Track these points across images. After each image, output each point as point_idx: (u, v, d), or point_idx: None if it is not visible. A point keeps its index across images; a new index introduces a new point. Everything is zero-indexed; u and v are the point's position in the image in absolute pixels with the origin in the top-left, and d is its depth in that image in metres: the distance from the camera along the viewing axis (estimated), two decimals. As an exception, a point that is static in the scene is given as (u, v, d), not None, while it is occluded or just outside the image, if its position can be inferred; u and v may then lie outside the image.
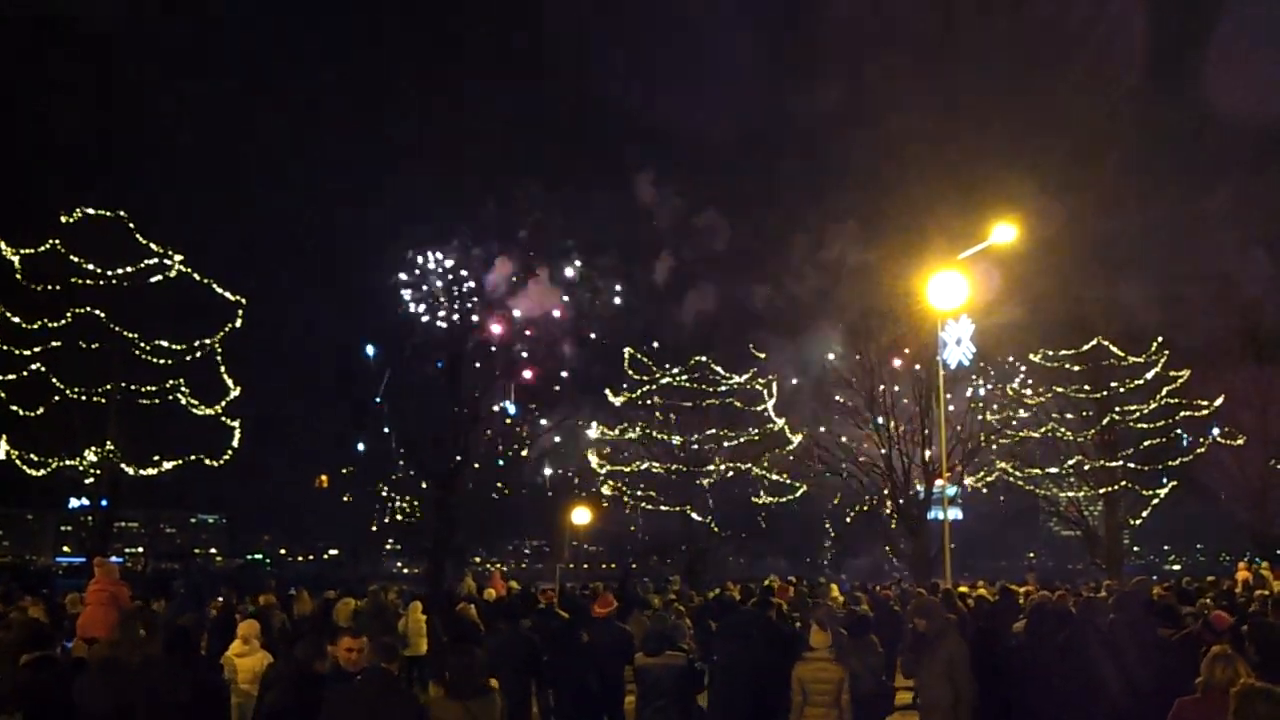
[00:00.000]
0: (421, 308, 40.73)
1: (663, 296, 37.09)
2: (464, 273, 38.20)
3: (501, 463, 38.97)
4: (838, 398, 33.29)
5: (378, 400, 37.04)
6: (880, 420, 32.04)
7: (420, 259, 40.36)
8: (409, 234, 41.89)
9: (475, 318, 37.65)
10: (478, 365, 36.32)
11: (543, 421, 38.04)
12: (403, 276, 41.57)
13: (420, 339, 37.76)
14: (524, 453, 38.54)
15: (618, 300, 38.46)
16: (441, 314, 39.42)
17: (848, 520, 40.97)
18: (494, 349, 37.37)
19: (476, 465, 37.02)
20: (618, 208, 38.28)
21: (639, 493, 35.33)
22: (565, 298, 38.79)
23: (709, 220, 37.92)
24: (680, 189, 39.11)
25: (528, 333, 37.83)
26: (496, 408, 37.16)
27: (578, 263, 39.22)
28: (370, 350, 38.68)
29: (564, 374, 38.18)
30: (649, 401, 34.92)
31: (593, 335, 38.36)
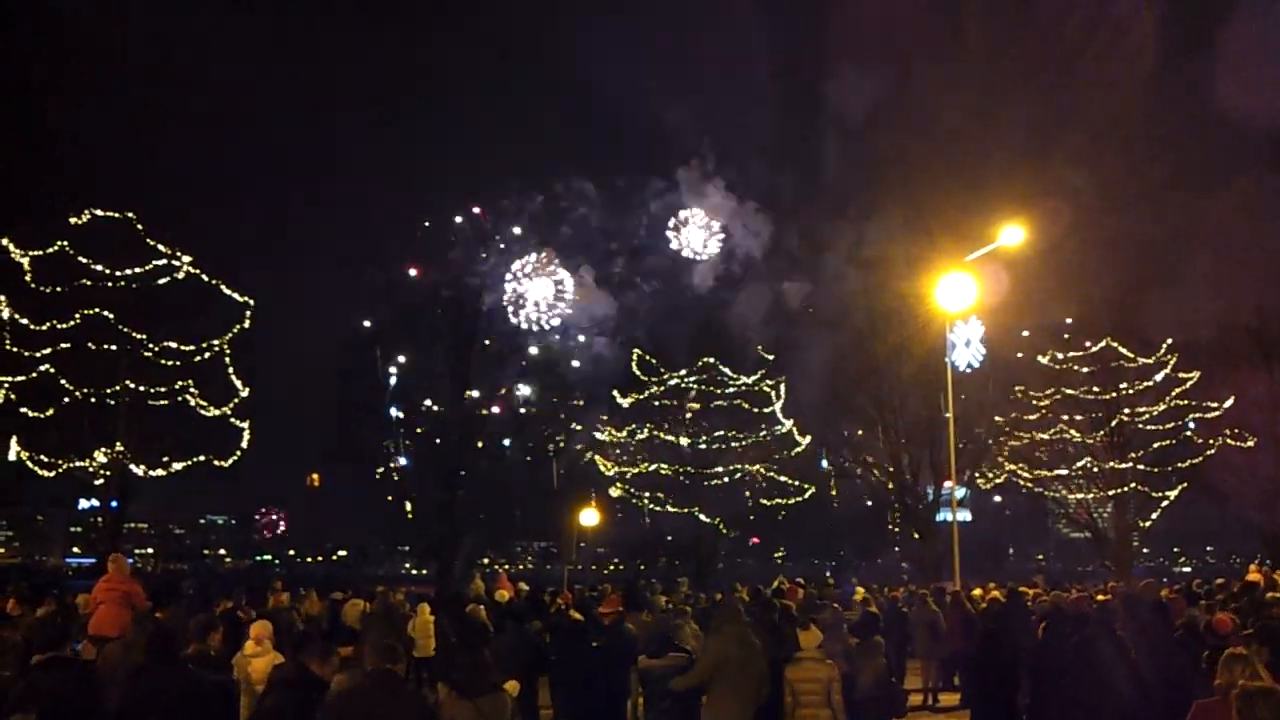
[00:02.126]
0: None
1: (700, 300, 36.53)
2: (502, 271, 37.70)
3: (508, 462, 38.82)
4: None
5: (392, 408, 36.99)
6: (889, 422, 31.98)
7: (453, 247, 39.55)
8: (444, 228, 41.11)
9: (509, 306, 37.18)
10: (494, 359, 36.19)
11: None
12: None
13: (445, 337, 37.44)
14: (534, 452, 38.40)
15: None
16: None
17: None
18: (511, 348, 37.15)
19: (484, 465, 36.99)
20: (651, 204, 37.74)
21: (647, 494, 35.25)
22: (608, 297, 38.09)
23: (734, 220, 37.30)
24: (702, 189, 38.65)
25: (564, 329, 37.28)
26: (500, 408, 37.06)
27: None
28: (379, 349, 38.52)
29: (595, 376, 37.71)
30: (657, 403, 34.83)
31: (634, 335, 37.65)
